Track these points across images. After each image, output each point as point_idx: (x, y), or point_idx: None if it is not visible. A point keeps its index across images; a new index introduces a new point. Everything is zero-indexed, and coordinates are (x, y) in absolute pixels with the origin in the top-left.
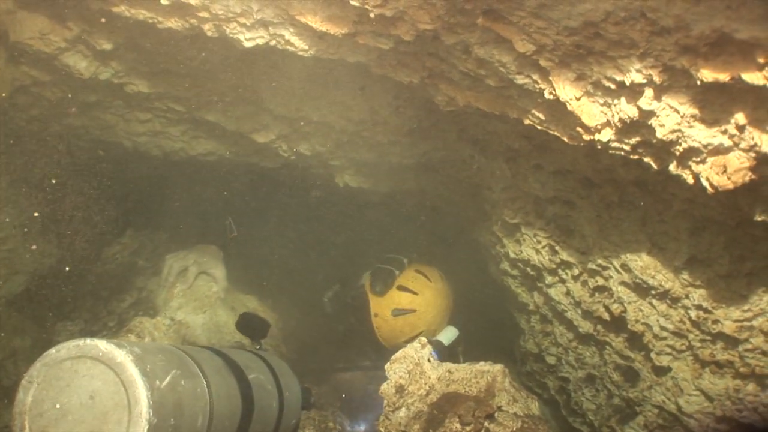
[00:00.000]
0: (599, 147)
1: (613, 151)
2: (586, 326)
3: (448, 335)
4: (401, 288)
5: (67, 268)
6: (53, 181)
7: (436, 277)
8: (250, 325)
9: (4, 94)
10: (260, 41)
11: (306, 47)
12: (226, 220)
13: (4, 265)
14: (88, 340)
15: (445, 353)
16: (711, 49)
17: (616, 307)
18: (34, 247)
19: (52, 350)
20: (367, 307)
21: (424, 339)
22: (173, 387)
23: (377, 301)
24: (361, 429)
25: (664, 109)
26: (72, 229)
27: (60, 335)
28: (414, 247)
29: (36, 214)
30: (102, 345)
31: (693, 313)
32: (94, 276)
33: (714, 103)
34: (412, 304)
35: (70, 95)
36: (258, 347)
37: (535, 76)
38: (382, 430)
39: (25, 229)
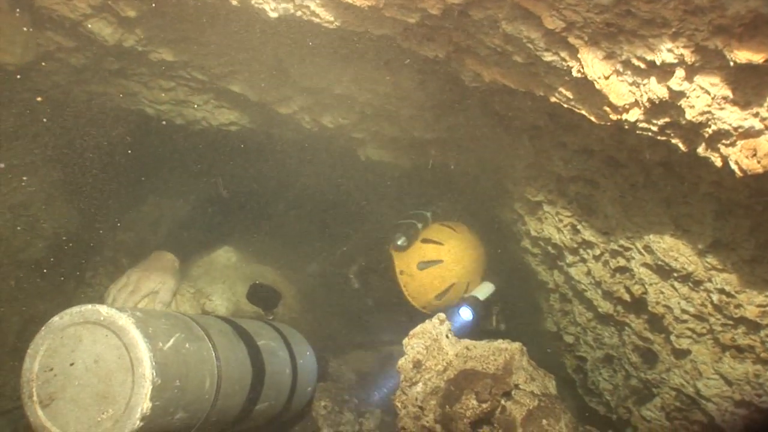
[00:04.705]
0: (626, 127)
1: (641, 132)
2: (605, 306)
3: (483, 290)
4: (425, 240)
5: (87, 235)
6: (75, 147)
7: (462, 228)
8: (260, 296)
9: (28, 59)
10: (285, 12)
11: (332, 19)
12: (217, 180)
13: (26, 230)
14: (90, 306)
15: (480, 309)
16: (746, 29)
17: (637, 289)
18: (55, 212)
19: (56, 317)
20: (392, 267)
21: (442, 315)
22: (177, 349)
23: (401, 257)
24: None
25: (694, 90)
26: (94, 196)
27: (80, 301)
28: (438, 203)
29: (57, 180)
30: (104, 310)
31: (715, 297)
32: (114, 243)
33: (746, 86)
34: (437, 254)
35: (94, 62)
36: (271, 317)
37: (564, 54)
38: (399, 404)
39: (47, 195)
